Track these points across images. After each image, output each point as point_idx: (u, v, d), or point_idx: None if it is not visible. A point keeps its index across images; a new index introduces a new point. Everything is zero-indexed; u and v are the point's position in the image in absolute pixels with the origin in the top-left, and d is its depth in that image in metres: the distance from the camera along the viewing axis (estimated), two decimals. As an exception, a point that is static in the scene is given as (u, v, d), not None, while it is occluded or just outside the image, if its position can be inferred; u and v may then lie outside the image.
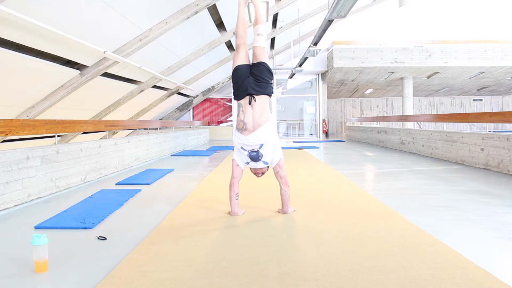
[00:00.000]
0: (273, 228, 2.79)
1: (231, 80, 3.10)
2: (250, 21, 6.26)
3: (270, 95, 3.04)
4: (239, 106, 3.01)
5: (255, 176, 3.16)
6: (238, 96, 3.01)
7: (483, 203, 3.47)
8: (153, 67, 9.58)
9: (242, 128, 2.95)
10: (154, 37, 7.47)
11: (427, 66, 13.99)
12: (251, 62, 3.11)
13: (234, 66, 3.06)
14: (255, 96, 2.95)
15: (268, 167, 3.09)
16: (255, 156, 2.96)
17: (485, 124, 8.26)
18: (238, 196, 3.13)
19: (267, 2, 6.15)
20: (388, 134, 10.11)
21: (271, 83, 3.09)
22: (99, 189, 4.52)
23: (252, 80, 2.97)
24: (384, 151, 8.97)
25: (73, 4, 5.48)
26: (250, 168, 3.09)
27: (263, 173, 3.12)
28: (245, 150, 2.97)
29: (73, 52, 6.55)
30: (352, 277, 1.87)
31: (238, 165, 3.09)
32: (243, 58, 3.07)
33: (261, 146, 2.93)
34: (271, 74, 3.09)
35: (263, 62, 3.02)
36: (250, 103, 2.95)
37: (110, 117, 10.92)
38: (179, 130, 12.25)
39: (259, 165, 3.01)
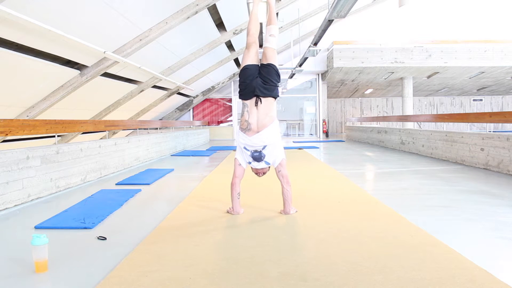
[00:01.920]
0: (273, 228, 2.79)
1: (239, 78, 3.04)
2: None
3: (275, 98, 3.02)
4: (244, 105, 2.99)
5: (256, 176, 3.17)
6: (244, 96, 2.98)
7: (483, 203, 3.47)
8: (153, 67, 9.57)
9: (246, 128, 2.94)
10: (154, 37, 7.47)
11: (427, 66, 13.98)
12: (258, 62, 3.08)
13: (243, 65, 3.01)
14: (261, 98, 2.94)
15: (269, 167, 3.09)
16: (257, 156, 2.95)
17: (485, 124, 8.27)
18: (239, 195, 3.14)
19: (267, 2, 6.12)
20: (388, 134, 10.10)
21: (278, 86, 3.06)
22: (99, 189, 4.52)
23: (260, 81, 2.94)
24: (384, 151, 8.97)
25: (73, 4, 5.48)
26: (252, 168, 3.09)
27: (264, 173, 3.13)
28: (248, 150, 2.97)
29: (73, 52, 6.55)
30: (352, 277, 1.87)
31: (240, 165, 3.09)
32: (253, 58, 3.03)
33: (264, 147, 2.93)
34: (279, 77, 3.04)
35: (273, 64, 2.99)
36: (256, 104, 2.93)
37: (110, 117, 10.92)
38: (179, 130, 12.24)
39: (261, 165, 3.01)
